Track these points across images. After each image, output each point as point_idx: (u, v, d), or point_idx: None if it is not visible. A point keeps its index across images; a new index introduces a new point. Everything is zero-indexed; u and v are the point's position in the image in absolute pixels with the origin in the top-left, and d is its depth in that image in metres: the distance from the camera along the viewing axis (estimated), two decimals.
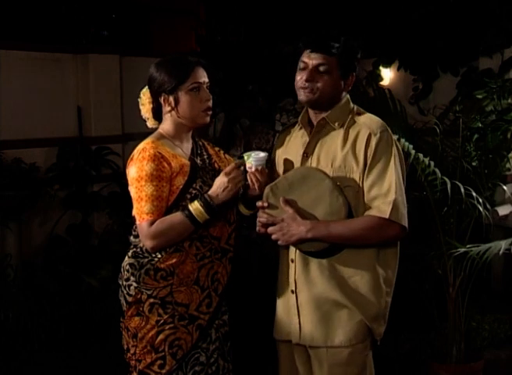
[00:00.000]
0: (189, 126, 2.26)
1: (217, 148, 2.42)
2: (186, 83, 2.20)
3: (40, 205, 4.66)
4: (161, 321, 2.19)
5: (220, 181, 2.16)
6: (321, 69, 2.10)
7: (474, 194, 3.08)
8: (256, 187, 2.16)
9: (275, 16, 5.50)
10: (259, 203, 2.14)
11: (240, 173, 2.15)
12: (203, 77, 2.23)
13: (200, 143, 2.36)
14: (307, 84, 2.11)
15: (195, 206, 2.14)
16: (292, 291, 2.18)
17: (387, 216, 2.04)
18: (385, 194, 2.06)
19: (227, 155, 2.42)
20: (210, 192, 2.17)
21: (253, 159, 2.15)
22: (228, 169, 2.17)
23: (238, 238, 2.32)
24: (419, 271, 3.53)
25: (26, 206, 4.51)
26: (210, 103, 2.24)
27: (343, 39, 2.13)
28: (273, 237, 2.11)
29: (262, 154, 2.17)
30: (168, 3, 6.35)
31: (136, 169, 2.16)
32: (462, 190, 3.04)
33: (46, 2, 5.21)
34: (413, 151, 2.91)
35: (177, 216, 2.15)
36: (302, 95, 2.14)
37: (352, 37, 2.18)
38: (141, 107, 2.33)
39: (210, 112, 2.25)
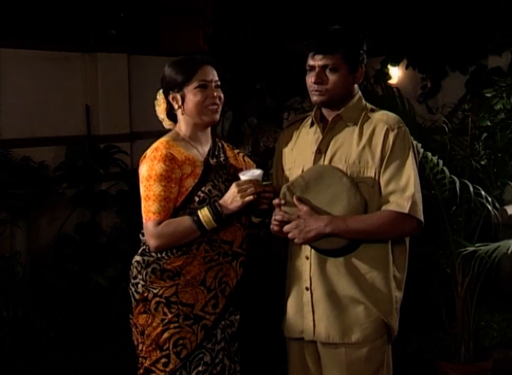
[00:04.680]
0: (199, 124, 2.26)
1: (236, 151, 2.40)
2: (193, 80, 2.20)
3: (48, 203, 4.68)
4: (166, 320, 2.19)
5: (230, 192, 2.16)
6: (328, 68, 2.11)
7: (482, 192, 3.07)
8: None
9: (282, 14, 5.50)
10: (276, 201, 2.12)
11: (249, 187, 2.13)
12: (210, 75, 2.23)
13: (220, 144, 2.35)
14: (316, 87, 2.13)
15: (204, 213, 2.14)
16: (306, 288, 2.17)
17: (406, 211, 2.04)
18: (403, 188, 2.06)
19: (246, 158, 2.40)
20: (221, 201, 2.16)
21: (248, 177, 2.17)
22: (241, 181, 2.16)
23: (250, 242, 2.32)
24: (428, 270, 3.52)
25: (35, 205, 4.53)
26: (216, 100, 2.23)
27: (345, 34, 2.13)
28: (289, 235, 2.09)
29: (258, 171, 2.20)
30: (176, 2, 6.35)
31: (147, 168, 2.18)
32: (471, 189, 3.03)
33: (54, 1, 5.23)
34: (421, 150, 2.90)
35: (185, 220, 2.15)
36: (314, 97, 2.16)
37: (355, 28, 2.18)
38: (157, 108, 2.34)
39: (216, 109, 2.23)
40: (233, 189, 2.15)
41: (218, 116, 2.26)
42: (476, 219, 3.29)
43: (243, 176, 2.17)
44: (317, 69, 2.12)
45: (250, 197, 2.13)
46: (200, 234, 2.16)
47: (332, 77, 2.11)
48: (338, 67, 2.11)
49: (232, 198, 2.14)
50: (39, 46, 4.90)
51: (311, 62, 2.14)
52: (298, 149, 2.25)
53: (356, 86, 2.19)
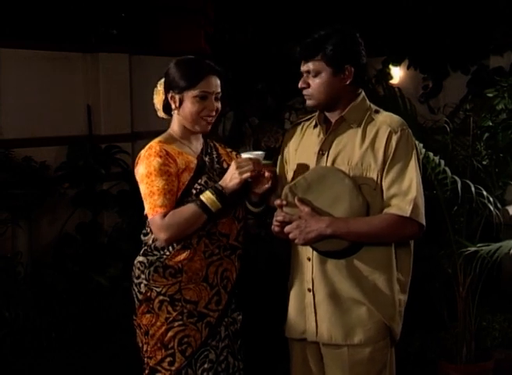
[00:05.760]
0: (189, 130, 2.28)
1: (229, 149, 2.42)
2: (195, 89, 2.21)
3: (49, 203, 4.68)
4: (171, 318, 2.20)
5: (229, 170, 2.18)
6: (311, 73, 2.15)
7: (484, 193, 3.06)
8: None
9: (282, 14, 5.50)
10: (278, 202, 2.13)
11: (248, 164, 2.15)
12: (213, 87, 2.23)
13: (212, 144, 2.38)
14: (303, 91, 2.18)
15: (207, 195, 2.15)
16: (309, 290, 2.17)
17: (408, 215, 2.04)
18: (405, 192, 2.06)
19: (239, 155, 2.41)
20: (220, 182, 2.19)
21: (248, 156, 2.19)
22: (240, 159, 2.19)
23: (246, 236, 2.32)
24: (429, 270, 3.51)
25: (36, 205, 4.53)
26: (213, 113, 2.25)
27: (326, 37, 2.13)
28: (290, 236, 2.09)
29: (259, 152, 2.22)
30: (176, 2, 6.35)
31: (145, 166, 2.19)
32: (472, 189, 3.03)
33: (55, 1, 5.22)
34: (423, 150, 2.90)
35: (189, 207, 2.16)
36: (306, 101, 2.20)
37: (353, 28, 2.19)
38: (155, 96, 2.35)
39: (210, 121, 2.26)
40: (232, 166, 2.17)
41: (209, 127, 2.29)
42: (478, 220, 3.29)
43: (244, 155, 2.20)
44: (303, 75, 2.17)
45: (248, 174, 2.14)
46: (206, 218, 2.16)
47: (314, 81, 2.15)
48: (319, 71, 2.13)
49: (231, 175, 2.16)
50: (39, 46, 4.90)
51: (301, 68, 2.19)
52: (302, 150, 2.25)
53: (354, 87, 2.17)
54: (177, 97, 2.23)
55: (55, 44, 5.04)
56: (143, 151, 2.24)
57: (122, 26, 5.64)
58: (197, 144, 2.31)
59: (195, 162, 2.24)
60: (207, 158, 2.29)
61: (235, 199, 2.23)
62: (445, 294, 3.47)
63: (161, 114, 2.35)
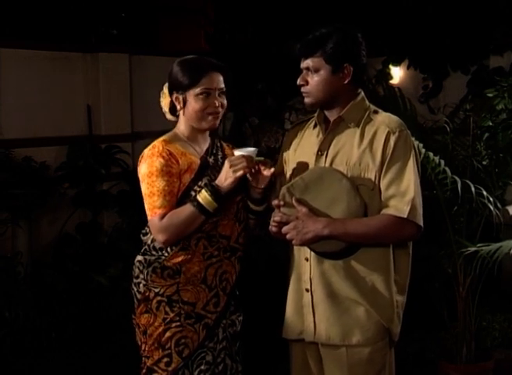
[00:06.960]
0: (197, 128, 2.27)
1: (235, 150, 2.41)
2: (197, 87, 2.20)
3: (50, 203, 4.68)
4: (168, 319, 2.20)
5: (223, 169, 2.17)
6: (310, 70, 2.15)
7: (484, 193, 3.06)
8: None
9: (282, 14, 5.50)
10: (275, 202, 2.12)
11: (241, 161, 2.14)
12: (215, 83, 2.22)
13: (218, 144, 2.36)
14: (302, 89, 2.17)
15: (203, 195, 2.15)
16: (307, 290, 2.17)
17: (405, 216, 2.03)
18: (403, 193, 2.05)
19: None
20: (216, 181, 2.18)
21: (241, 153, 2.18)
22: (233, 157, 2.18)
23: (248, 237, 2.32)
24: (429, 270, 3.52)
25: (36, 205, 4.53)
26: (218, 109, 2.23)
27: (326, 34, 2.13)
28: (288, 236, 2.09)
29: (251, 148, 2.22)
30: (176, 2, 6.35)
31: (147, 165, 2.19)
32: (472, 189, 3.02)
33: (55, 1, 5.23)
34: (423, 150, 2.90)
35: (186, 208, 2.16)
36: (304, 99, 2.19)
37: (353, 27, 2.18)
38: (162, 99, 2.34)
39: (217, 116, 2.24)
40: (226, 165, 2.16)
41: (218, 122, 2.27)
42: (478, 220, 3.29)
43: (237, 152, 2.19)
44: (303, 72, 2.16)
45: (242, 171, 2.13)
46: (205, 219, 2.16)
47: (313, 79, 2.14)
48: (318, 68, 2.12)
49: (225, 174, 2.15)
50: (40, 46, 4.90)
51: (300, 65, 2.18)
52: (301, 150, 2.25)
53: (353, 86, 2.17)
54: (181, 97, 2.22)
55: (55, 44, 5.04)
56: (146, 150, 2.23)
57: (122, 26, 5.64)
58: (203, 145, 2.30)
59: (198, 162, 2.23)
60: (211, 159, 2.27)
61: (234, 198, 2.22)
62: (445, 294, 3.47)
63: (169, 116, 2.34)
